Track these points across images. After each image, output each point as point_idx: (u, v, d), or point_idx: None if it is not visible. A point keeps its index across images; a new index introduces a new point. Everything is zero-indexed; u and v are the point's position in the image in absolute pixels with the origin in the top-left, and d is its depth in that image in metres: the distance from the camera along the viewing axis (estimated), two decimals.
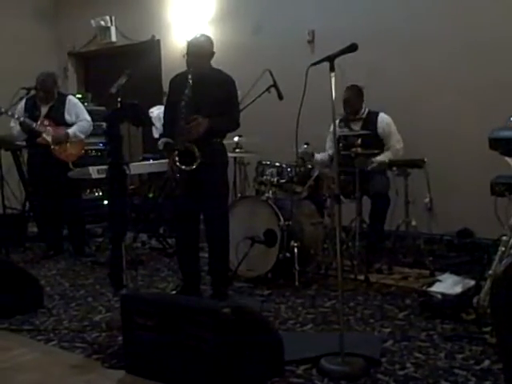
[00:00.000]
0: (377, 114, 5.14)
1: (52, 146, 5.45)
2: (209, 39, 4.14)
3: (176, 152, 3.89)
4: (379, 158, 4.91)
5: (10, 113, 5.44)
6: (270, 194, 4.69)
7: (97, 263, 5.30)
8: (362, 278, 4.43)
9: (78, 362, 3.26)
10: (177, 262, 4.39)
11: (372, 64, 5.45)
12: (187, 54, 4.04)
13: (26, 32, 7.87)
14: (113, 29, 7.72)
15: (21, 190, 6.49)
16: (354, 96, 5.15)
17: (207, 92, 3.96)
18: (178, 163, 3.87)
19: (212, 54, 4.10)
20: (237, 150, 5.21)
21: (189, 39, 4.21)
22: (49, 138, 5.45)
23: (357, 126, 5.13)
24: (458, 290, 3.59)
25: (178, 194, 4.09)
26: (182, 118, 3.88)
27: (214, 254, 4.16)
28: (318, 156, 5.14)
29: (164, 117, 4.33)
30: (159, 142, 5.23)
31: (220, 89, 4.02)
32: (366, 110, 5.19)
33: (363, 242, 4.65)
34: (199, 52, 4.02)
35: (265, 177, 4.80)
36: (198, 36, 4.17)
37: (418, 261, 4.66)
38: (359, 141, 4.70)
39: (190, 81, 3.90)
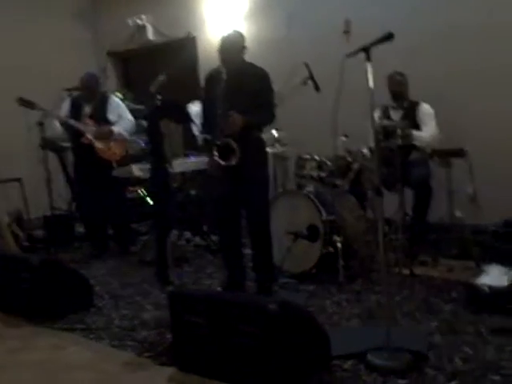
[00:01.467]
0: (417, 103, 5.09)
1: (95, 145, 5.54)
2: (239, 34, 4.15)
3: (215, 147, 3.93)
4: (418, 133, 4.84)
5: (52, 113, 5.54)
6: (310, 188, 4.70)
7: (143, 262, 5.40)
8: (406, 271, 4.41)
9: (130, 359, 3.36)
10: (221, 258, 4.46)
11: (409, 52, 5.39)
12: (219, 50, 4.08)
13: (65, 33, 8.01)
14: (149, 27, 7.79)
15: (67, 190, 6.64)
16: (399, 79, 5.10)
17: (241, 86, 3.99)
18: (217, 158, 3.91)
19: (243, 48, 4.11)
20: (276, 145, 5.24)
21: (221, 36, 4.24)
22: (91, 137, 5.54)
23: (397, 116, 5.09)
24: (504, 281, 3.55)
25: (218, 190, 4.12)
26: (218, 114, 3.93)
27: (257, 249, 4.19)
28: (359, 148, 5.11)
29: (203, 113, 4.35)
30: (198, 138, 5.30)
31: (254, 82, 4.04)
32: (408, 100, 5.13)
33: (406, 235, 4.62)
34: (231, 47, 4.04)
35: (305, 171, 4.81)
36: (229, 32, 4.19)
37: (464, 252, 4.61)
38: (399, 131, 4.67)
39: (224, 76, 3.95)
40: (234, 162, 3.87)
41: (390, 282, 4.03)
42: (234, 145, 3.86)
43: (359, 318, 3.67)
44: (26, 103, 5.46)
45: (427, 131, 4.92)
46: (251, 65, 4.14)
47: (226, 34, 4.16)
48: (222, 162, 3.89)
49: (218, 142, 3.91)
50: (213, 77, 4.13)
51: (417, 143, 4.85)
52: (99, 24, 8.50)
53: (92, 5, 8.53)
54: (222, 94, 3.93)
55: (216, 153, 3.90)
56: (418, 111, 5.05)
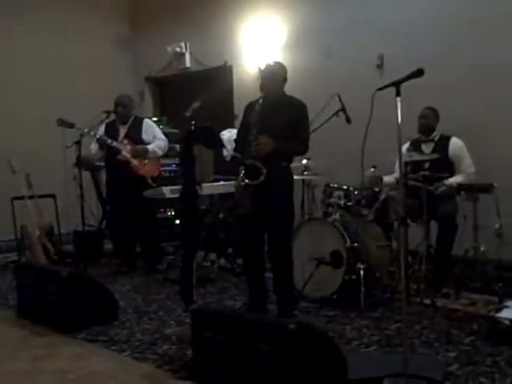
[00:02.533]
0: (449, 137, 5.11)
1: (131, 162, 5.73)
2: (282, 66, 4.28)
3: (242, 167, 4.02)
4: (450, 181, 4.89)
5: (91, 132, 5.73)
6: (337, 216, 4.77)
7: (168, 280, 5.49)
8: (428, 302, 4.42)
9: (150, 372, 3.42)
10: (245, 281, 4.51)
11: (441, 88, 5.46)
12: (261, 78, 4.20)
13: (106, 58, 8.30)
14: (187, 55, 8.00)
15: (98, 208, 6.80)
16: (431, 114, 5.15)
17: (278, 115, 4.10)
18: (243, 177, 4.00)
19: (285, 80, 4.23)
20: (305, 173, 5.32)
21: (263, 65, 4.36)
22: (128, 155, 5.72)
23: (428, 149, 5.13)
24: None
25: (242, 212, 4.16)
26: (251, 138, 4.03)
27: (278, 274, 4.24)
28: (386, 179, 5.16)
29: (236, 138, 4.47)
30: (226, 154, 5.40)
31: (290, 112, 4.14)
32: (439, 133, 5.17)
33: (430, 266, 4.63)
34: (272, 77, 4.18)
35: (332, 199, 4.88)
36: (272, 62, 4.32)
37: (487, 287, 4.60)
38: (427, 164, 4.73)
39: (261, 100, 4.07)
40: (258, 182, 3.94)
41: (411, 311, 4.08)
42: (260, 165, 3.94)
43: (378, 345, 3.69)
44: (66, 123, 5.68)
45: (457, 179, 4.93)
46: (290, 97, 4.25)
47: (268, 63, 4.28)
48: (246, 181, 3.97)
49: (246, 162, 4.00)
50: (252, 105, 4.22)
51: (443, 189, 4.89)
52: (139, 50, 8.77)
53: (132, 32, 8.82)
54: (256, 120, 4.04)
55: (243, 172, 3.98)
56: (449, 146, 5.08)
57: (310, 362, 2.89)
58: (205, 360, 3.23)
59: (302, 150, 4.29)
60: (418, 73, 3.07)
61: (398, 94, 3.04)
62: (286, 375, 2.84)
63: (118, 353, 3.73)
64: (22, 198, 6.13)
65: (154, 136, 5.98)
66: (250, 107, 4.27)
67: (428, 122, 5.15)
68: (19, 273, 4.77)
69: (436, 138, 5.16)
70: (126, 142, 5.78)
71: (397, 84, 3.05)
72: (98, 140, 5.72)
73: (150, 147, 5.87)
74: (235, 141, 4.51)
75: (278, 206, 4.12)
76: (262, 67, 4.37)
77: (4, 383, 3.34)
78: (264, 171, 3.93)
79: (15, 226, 6.26)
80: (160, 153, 5.99)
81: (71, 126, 5.68)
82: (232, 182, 5.58)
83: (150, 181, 5.80)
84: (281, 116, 4.11)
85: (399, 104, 3.02)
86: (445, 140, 5.12)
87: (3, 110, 7.24)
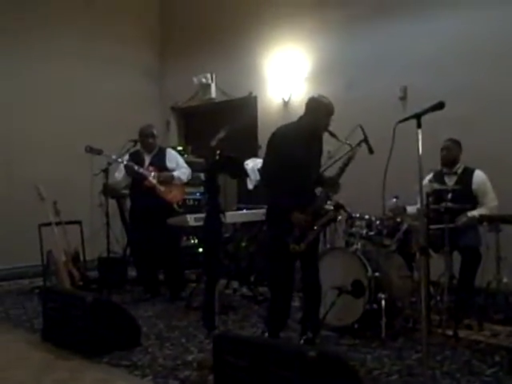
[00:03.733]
0: (473, 170, 5.13)
1: (158, 187, 5.85)
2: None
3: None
4: (473, 213, 4.90)
5: (118, 159, 5.86)
6: (358, 246, 4.79)
7: (190, 307, 5.53)
8: (450, 333, 4.39)
9: None
10: (266, 308, 4.53)
11: (464, 119, 5.51)
12: (329, 114, 4.23)
13: (133, 87, 8.51)
14: (213, 86, 8.16)
15: (123, 235, 6.90)
16: (453, 145, 5.18)
17: (315, 149, 4.27)
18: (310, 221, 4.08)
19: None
20: (327, 203, 5.36)
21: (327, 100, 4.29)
22: (154, 181, 5.84)
23: (451, 181, 5.15)
24: None
25: (304, 246, 4.09)
26: (302, 177, 4.12)
27: (311, 305, 4.28)
28: (410, 209, 5.17)
29: (268, 165, 4.23)
30: (250, 184, 5.45)
31: (320, 146, 4.33)
32: (462, 166, 5.19)
33: (452, 298, 4.62)
34: (328, 114, 4.24)
35: (354, 229, 4.91)
36: (319, 96, 4.31)
37: (510, 318, 4.57)
38: (449, 195, 4.74)
39: (306, 138, 4.17)
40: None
41: (432, 342, 4.06)
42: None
43: (399, 375, 3.68)
44: (94, 150, 5.83)
45: (480, 211, 4.93)
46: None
47: (326, 99, 4.26)
48: (316, 226, 4.08)
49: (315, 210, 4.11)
50: (286, 133, 4.19)
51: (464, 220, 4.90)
52: (165, 80, 8.97)
53: (159, 62, 9.04)
54: (301, 153, 4.09)
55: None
56: (473, 178, 5.09)
57: None
58: None
59: None
60: (439, 106, 3.14)
61: (419, 126, 3.11)
62: None
63: (140, 378, 3.77)
64: (49, 224, 6.26)
65: (178, 164, 6.13)
66: (288, 136, 4.15)
67: (450, 153, 5.17)
68: (45, 297, 4.85)
69: (459, 171, 5.18)
70: (151, 168, 5.91)
71: (418, 116, 3.11)
72: (125, 166, 5.85)
73: (175, 173, 6.02)
74: (265, 168, 4.30)
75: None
76: (315, 99, 4.28)
77: None
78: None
79: (42, 252, 6.37)
80: (184, 179, 6.12)
81: (99, 152, 5.83)
82: (255, 211, 5.69)
83: (176, 207, 5.91)
84: (317, 150, 4.31)
85: (420, 136, 3.08)
86: (468, 173, 5.13)
87: (32, 138, 7.45)
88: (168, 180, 5.95)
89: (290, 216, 4.01)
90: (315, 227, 4.07)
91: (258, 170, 5.02)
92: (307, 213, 4.05)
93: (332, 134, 4.21)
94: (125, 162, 5.85)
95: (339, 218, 4.14)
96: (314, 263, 4.29)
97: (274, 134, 4.20)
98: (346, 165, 4.22)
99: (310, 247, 4.11)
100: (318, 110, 4.19)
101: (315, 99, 4.26)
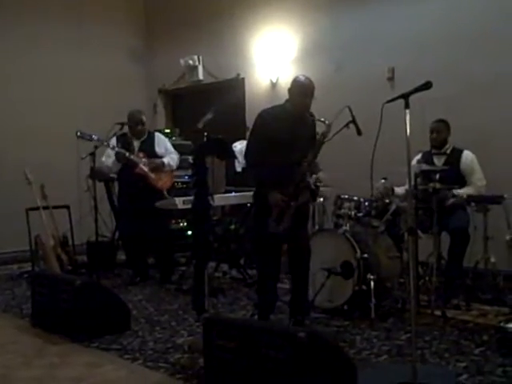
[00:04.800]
0: (461, 150, 5.14)
1: (149, 175, 5.82)
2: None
3: (292, 188, 4.10)
4: (460, 192, 4.91)
5: (110, 144, 5.82)
6: (347, 227, 4.80)
7: (180, 290, 5.53)
8: (438, 313, 4.43)
9: (162, 380, 3.46)
10: (255, 291, 4.55)
11: (451, 100, 5.51)
12: (301, 93, 4.14)
13: (119, 70, 8.41)
14: (200, 68, 8.09)
15: (111, 219, 6.87)
16: (442, 127, 5.18)
17: (304, 131, 4.19)
18: (288, 201, 4.06)
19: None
20: (316, 184, 5.37)
21: (305, 80, 4.23)
22: (145, 168, 5.80)
23: (440, 162, 5.16)
24: None
25: (282, 228, 4.12)
26: (285, 159, 4.09)
27: (298, 285, 4.30)
28: (398, 190, 5.18)
29: (250, 146, 4.33)
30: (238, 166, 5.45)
31: (310, 129, 4.24)
32: (451, 146, 5.20)
33: (441, 278, 4.65)
34: (310, 93, 4.17)
35: (343, 210, 4.91)
36: (305, 77, 4.24)
37: (498, 298, 4.62)
38: (437, 176, 4.75)
39: (291, 119, 4.14)
40: (301, 201, 4.08)
41: (421, 322, 4.10)
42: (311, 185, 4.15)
43: (388, 355, 3.71)
44: (85, 135, 5.72)
45: (467, 191, 4.95)
46: (311, 113, 4.28)
47: (304, 78, 4.22)
48: (292, 203, 4.05)
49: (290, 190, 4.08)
50: (272, 115, 4.20)
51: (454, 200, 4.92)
52: (152, 63, 8.88)
53: (146, 44, 8.94)
54: (285, 135, 4.07)
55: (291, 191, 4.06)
56: (461, 159, 5.10)
57: (319, 370, 2.92)
58: (216, 368, 3.27)
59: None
60: (427, 85, 3.12)
61: (406, 106, 3.09)
62: (296, 383, 2.87)
63: (130, 361, 3.77)
64: (36, 208, 6.23)
65: (166, 149, 6.09)
66: (269, 116, 4.20)
67: (440, 135, 5.17)
68: (33, 282, 4.83)
69: (448, 151, 5.19)
70: (141, 155, 5.87)
71: (405, 96, 3.10)
72: (116, 153, 5.79)
73: (165, 160, 5.98)
74: (249, 149, 4.36)
75: (306, 219, 4.30)
76: (301, 81, 4.22)
77: None
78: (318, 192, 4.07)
79: (30, 237, 6.34)
80: (174, 166, 6.09)
81: (90, 138, 5.74)
82: (243, 194, 5.68)
83: (166, 194, 5.88)
84: (306, 132, 4.21)
85: (408, 116, 3.07)
86: (457, 153, 5.14)
87: (18, 123, 7.36)
88: (158, 167, 5.91)
89: (268, 196, 4.04)
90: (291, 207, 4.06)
91: (249, 149, 5.00)
92: (285, 192, 4.05)
93: (310, 115, 4.21)
94: (116, 149, 5.79)
95: (317, 200, 4.09)
96: (302, 244, 4.27)
97: (259, 116, 4.23)
98: (321, 143, 4.18)
99: (294, 229, 4.11)
100: (293, 91, 4.18)
101: (293, 80, 4.25)
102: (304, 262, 4.29)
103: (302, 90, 4.14)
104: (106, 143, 5.79)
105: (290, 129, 4.11)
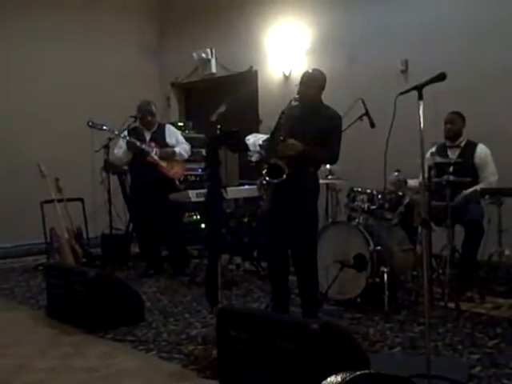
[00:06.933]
0: (476, 144, 5.11)
1: (160, 164, 5.84)
2: (321, 73, 4.30)
3: (266, 165, 4.06)
4: (469, 191, 4.89)
5: (121, 134, 5.86)
6: (360, 220, 4.79)
7: (194, 282, 5.57)
8: (452, 306, 4.42)
9: (176, 371, 3.48)
10: (269, 283, 4.56)
11: (465, 92, 5.48)
12: (300, 83, 4.23)
13: (132, 63, 8.44)
14: (213, 61, 8.09)
15: (125, 211, 6.91)
16: (456, 118, 5.16)
17: (312, 122, 4.14)
18: (264, 175, 4.04)
19: (322, 87, 4.25)
20: (329, 177, 5.37)
21: (305, 71, 4.35)
22: (156, 157, 5.84)
23: (454, 154, 5.14)
24: None
25: (263, 208, 4.21)
26: (278, 139, 4.08)
27: (302, 277, 4.28)
28: (411, 182, 5.15)
29: (267, 139, 4.45)
30: (252, 158, 5.47)
31: (325, 122, 4.16)
32: (465, 139, 5.17)
33: (454, 270, 4.63)
34: (310, 83, 4.20)
35: (356, 203, 4.91)
36: (311, 69, 4.36)
37: (511, 291, 4.60)
38: (451, 169, 4.73)
39: (295, 104, 4.12)
40: (278, 180, 3.97)
41: (435, 315, 4.09)
42: (283, 165, 3.98)
43: (401, 347, 3.71)
44: (96, 125, 5.81)
45: (485, 180, 4.96)
46: (327, 106, 4.27)
47: (308, 69, 4.33)
48: (267, 179, 4.02)
49: (270, 161, 4.05)
50: (289, 110, 4.19)
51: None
52: (165, 56, 8.88)
53: (159, 38, 8.96)
54: (290, 123, 4.08)
55: (265, 170, 4.03)
56: (476, 152, 5.08)
57: (332, 361, 2.92)
58: (229, 359, 3.28)
59: (330, 160, 4.35)
60: (440, 77, 3.10)
61: (420, 97, 3.07)
62: (308, 375, 2.88)
63: (144, 352, 3.80)
64: (51, 201, 6.28)
65: (177, 140, 6.13)
66: (284, 112, 4.21)
67: (454, 127, 5.15)
68: (49, 274, 4.89)
69: (462, 144, 5.16)
70: (153, 144, 5.90)
71: (419, 88, 3.08)
72: (127, 142, 5.82)
73: (176, 149, 6.02)
74: (264, 142, 4.47)
75: (301, 213, 4.12)
76: (302, 73, 4.32)
77: (36, 379, 3.43)
78: (286, 171, 3.96)
79: (44, 229, 6.40)
80: (185, 156, 6.12)
81: (101, 127, 5.81)
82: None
83: (178, 183, 5.92)
84: (315, 124, 4.13)
85: (421, 108, 3.05)
86: (471, 146, 5.12)
87: (33, 115, 7.41)
88: (170, 156, 5.95)
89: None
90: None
91: (259, 146, 4.99)
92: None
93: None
94: (127, 138, 5.82)
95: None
96: (302, 237, 4.17)
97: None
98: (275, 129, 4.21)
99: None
100: (300, 82, 4.24)
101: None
102: (306, 261, 4.21)
103: (302, 79, 4.22)
104: (116, 132, 5.82)
105: (296, 119, 4.10)
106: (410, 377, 3.03)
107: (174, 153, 5.98)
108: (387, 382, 2.33)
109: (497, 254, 4.62)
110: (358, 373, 2.24)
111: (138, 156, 5.88)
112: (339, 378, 2.18)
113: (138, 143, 5.82)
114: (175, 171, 5.98)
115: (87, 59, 7.92)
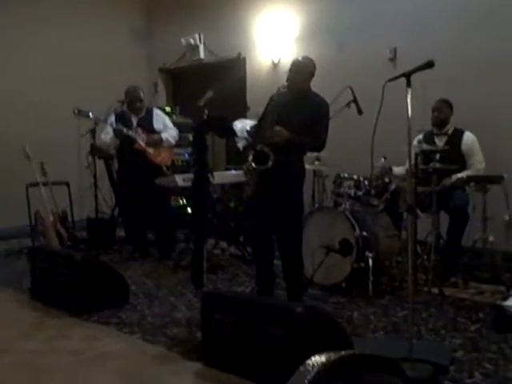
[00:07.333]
0: (463, 131, 5.14)
1: (147, 151, 5.82)
2: (310, 60, 4.29)
3: (252, 152, 4.06)
4: (458, 175, 4.92)
5: (108, 121, 5.82)
6: (346, 206, 4.81)
7: (179, 266, 5.55)
8: (436, 291, 4.46)
9: (160, 353, 3.50)
10: (254, 268, 4.58)
11: (453, 80, 5.49)
12: (289, 70, 4.23)
13: (120, 48, 8.36)
14: (201, 46, 8.04)
15: (111, 195, 6.88)
16: (444, 106, 5.17)
17: (300, 109, 4.14)
18: (250, 161, 4.04)
19: (312, 74, 4.25)
20: (316, 163, 5.38)
21: (294, 58, 4.36)
22: (143, 144, 5.81)
23: (441, 142, 5.16)
24: None
25: (248, 193, 4.22)
26: (265, 125, 4.09)
27: (286, 262, 4.29)
28: (397, 169, 5.18)
29: (255, 125, 4.49)
30: (239, 144, 5.48)
31: (313, 109, 4.16)
32: (453, 127, 5.19)
33: (439, 256, 4.67)
34: (300, 70, 4.20)
35: (342, 189, 4.93)
36: (301, 57, 4.35)
37: (495, 277, 4.63)
38: (438, 156, 4.76)
39: (283, 91, 4.12)
40: (264, 167, 3.98)
41: (419, 300, 4.13)
42: (269, 151, 3.98)
43: (385, 331, 3.74)
44: (82, 112, 5.76)
45: (466, 173, 4.95)
46: (315, 94, 4.26)
47: (299, 57, 4.33)
48: (253, 164, 4.02)
49: (256, 147, 4.05)
50: (275, 97, 4.21)
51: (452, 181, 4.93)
52: (153, 41, 8.81)
53: (147, 23, 8.89)
54: (277, 110, 4.08)
55: (251, 156, 4.03)
56: (463, 140, 5.11)
57: (316, 345, 2.94)
58: (214, 342, 3.30)
59: (317, 147, 4.34)
60: (429, 64, 3.11)
61: (408, 84, 3.08)
62: (293, 358, 2.89)
63: (129, 335, 3.81)
64: (36, 184, 6.24)
65: (165, 125, 6.08)
66: (272, 99, 4.24)
67: (441, 114, 5.17)
68: (33, 257, 4.85)
69: (449, 132, 5.18)
70: (140, 131, 5.86)
71: (407, 75, 3.09)
72: (114, 130, 5.78)
73: (163, 136, 5.97)
74: (252, 129, 4.51)
75: (286, 196, 4.13)
76: (292, 60, 4.33)
77: (21, 361, 3.44)
78: (272, 157, 3.96)
79: (29, 212, 6.36)
80: (173, 142, 6.08)
81: (87, 114, 5.76)
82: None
83: (165, 169, 5.90)
84: (303, 111, 4.14)
85: (409, 95, 3.06)
86: (458, 134, 5.14)
87: (18, 99, 7.32)
88: (157, 143, 5.91)
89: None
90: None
91: (247, 131, 4.98)
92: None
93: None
94: (114, 126, 5.78)
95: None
96: (286, 222, 4.18)
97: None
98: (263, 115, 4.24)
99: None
100: (289, 69, 4.25)
101: None
102: (291, 246, 4.22)
103: (291, 67, 4.23)
104: (102, 120, 5.78)
105: (284, 106, 4.10)
106: None
107: (161, 139, 5.94)
108: (372, 363, 2.34)
109: (481, 241, 4.65)
110: (343, 353, 2.24)
111: (124, 142, 5.85)
112: (323, 358, 2.18)
113: (125, 130, 5.78)
114: (162, 157, 5.94)
115: (75, 43, 7.82)
